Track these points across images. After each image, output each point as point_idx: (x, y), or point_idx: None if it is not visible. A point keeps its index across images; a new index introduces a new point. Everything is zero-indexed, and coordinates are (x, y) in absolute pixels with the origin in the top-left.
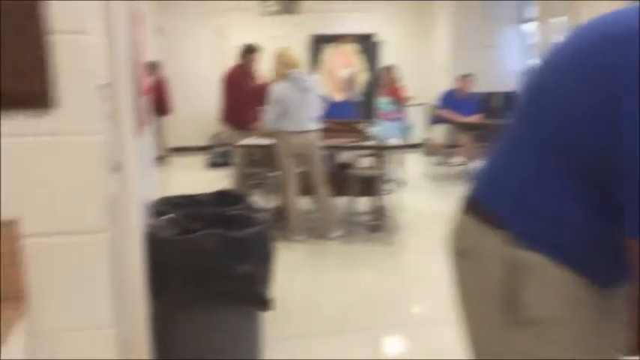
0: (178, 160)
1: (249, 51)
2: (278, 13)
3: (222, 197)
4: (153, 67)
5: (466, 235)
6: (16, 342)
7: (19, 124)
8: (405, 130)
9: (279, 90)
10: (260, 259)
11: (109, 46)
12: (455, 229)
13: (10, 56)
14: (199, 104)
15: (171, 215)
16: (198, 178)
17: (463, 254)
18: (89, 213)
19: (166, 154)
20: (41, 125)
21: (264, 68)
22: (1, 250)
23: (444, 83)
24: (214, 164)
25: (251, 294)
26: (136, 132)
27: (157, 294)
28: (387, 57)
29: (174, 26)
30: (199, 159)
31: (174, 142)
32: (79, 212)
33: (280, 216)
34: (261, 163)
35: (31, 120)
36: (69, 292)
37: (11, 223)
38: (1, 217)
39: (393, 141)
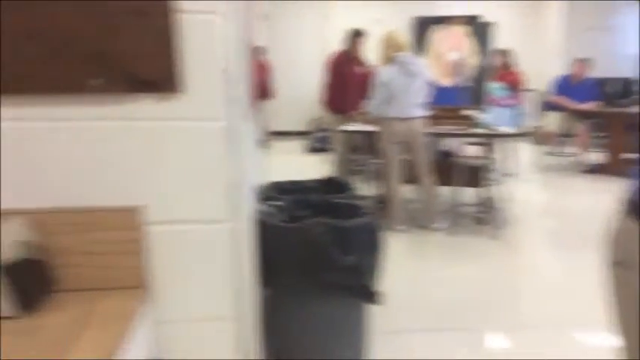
0: (278, 145)
1: (356, 35)
2: None
3: (328, 184)
4: (258, 52)
5: (630, 243)
6: (140, 332)
7: (146, 109)
8: (518, 117)
9: (385, 73)
10: (368, 250)
11: (230, 30)
12: (614, 235)
13: (139, 37)
14: (300, 89)
15: (280, 202)
16: (297, 163)
17: (626, 264)
18: (213, 202)
19: (267, 138)
20: (167, 110)
21: (369, 53)
22: (125, 238)
23: (556, 68)
24: (313, 149)
25: (358, 286)
26: (248, 116)
27: (264, 281)
28: (497, 40)
29: (279, 11)
30: (298, 143)
31: (275, 127)
32: (203, 200)
33: (382, 204)
34: (362, 150)
35: (158, 104)
36: (191, 282)
37: (135, 210)
38: (126, 204)
39: (504, 129)
